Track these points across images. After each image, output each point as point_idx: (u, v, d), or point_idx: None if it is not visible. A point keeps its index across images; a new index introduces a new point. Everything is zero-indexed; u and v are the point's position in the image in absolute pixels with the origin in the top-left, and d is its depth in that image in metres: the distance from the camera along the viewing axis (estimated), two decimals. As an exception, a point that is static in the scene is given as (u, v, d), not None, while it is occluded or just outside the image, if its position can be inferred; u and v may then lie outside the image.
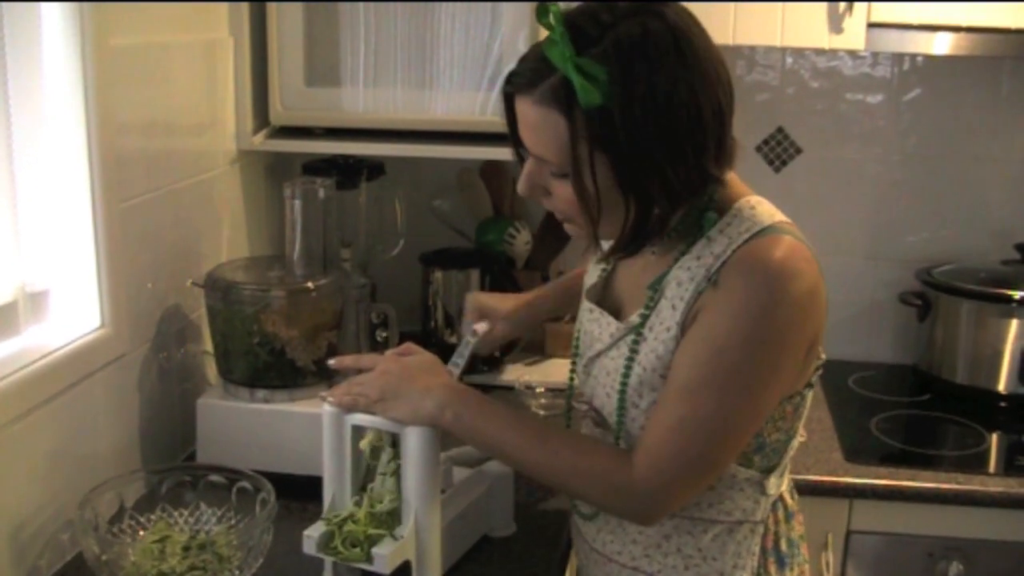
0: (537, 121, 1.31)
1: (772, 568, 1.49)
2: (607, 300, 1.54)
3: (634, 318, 1.44)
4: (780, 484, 1.49)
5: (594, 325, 1.52)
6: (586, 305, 1.56)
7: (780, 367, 1.34)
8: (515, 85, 1.33)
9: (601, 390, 1.49)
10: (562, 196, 1.36)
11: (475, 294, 1.80)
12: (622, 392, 1.43)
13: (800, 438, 1.52)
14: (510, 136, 1.41)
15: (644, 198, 1.31)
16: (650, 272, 1.44)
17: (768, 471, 1.45)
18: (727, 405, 1.32)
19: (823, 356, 1.46)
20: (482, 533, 1.68)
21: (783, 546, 1.51)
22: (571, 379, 1.63)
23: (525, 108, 1.32)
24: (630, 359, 1.42)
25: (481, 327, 1.71)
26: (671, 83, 1.27)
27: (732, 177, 1.43)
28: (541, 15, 1.27)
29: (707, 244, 1.37)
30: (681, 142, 1.29)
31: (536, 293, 1.83)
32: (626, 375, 1.43)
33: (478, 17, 2.07)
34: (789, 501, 1.53)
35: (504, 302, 1.78)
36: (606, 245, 1.42)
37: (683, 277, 1.38)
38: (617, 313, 1.50)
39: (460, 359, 1.61)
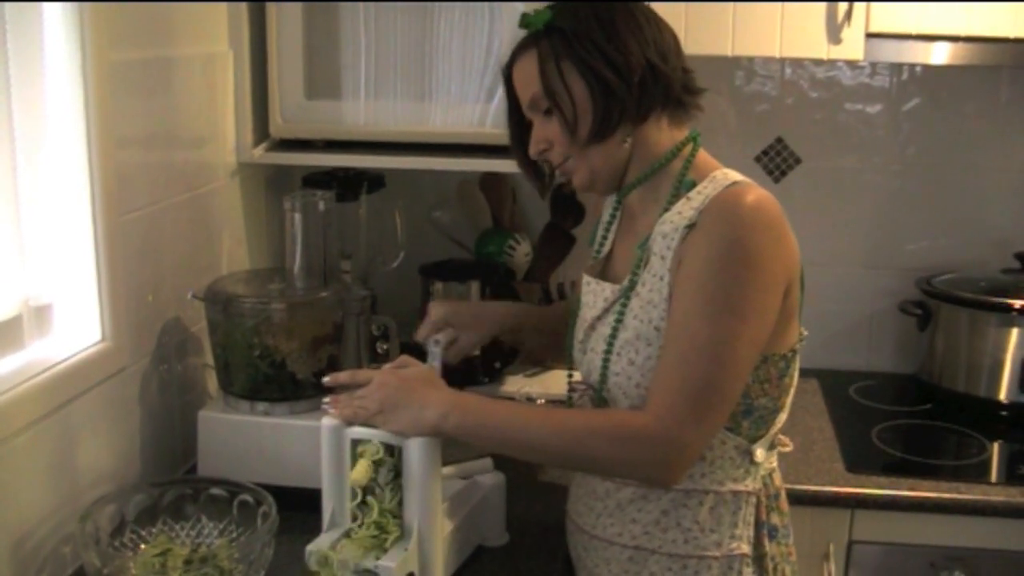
0: (521, 69, 1.53)
1: (765, 540, 1.55)
2: (605, 278, 1.61)
3: (626, 280, 1.52)
4: (767, 457, 1.54)
5: (590, 296, 1.60)
6: (584, 279, 1.63)
7: (763, 290, 1.42)
8: (508, 62, 1.56)
9: (596, 358, 1.54)
10: (557, 133, 1.51)
11: (436, 303, 1.80)
12: (610, 343, 1.50)
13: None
14: (513, 121, 1.60)
15: (605, 85, 1.46)
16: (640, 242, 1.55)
17: (755, 439, 1.52)
18: (721, 328, 1.39)
19: (804, 332, 1.55)
20: (476, 544, 1.69)
21: (774, 519, 1.57)
22: (569, 375, 1.67)
23: (515, 71, 1.54)
24: (621, 313, 1.51)
25: (443, 337, 1.72)
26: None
27: (707, 155, 1.56)
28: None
29: (687, 202, 1.49)
30: (619, 30, 1.46)
31: (515, 304, 1.87)
32: (616, 328, 1.50)
33: (476, 29, 2.08)
34: (776, 481, 1.59)
35: (467, 309, 1.83)
36: (606, 213, 1.63)
37: (667, 230, 1.48)
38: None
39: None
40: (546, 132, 1.53)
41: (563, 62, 1.46)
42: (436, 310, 1.76)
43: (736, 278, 1.40)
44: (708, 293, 1.40)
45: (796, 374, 1.55)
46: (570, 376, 1.67)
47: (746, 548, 1.52)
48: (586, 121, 1.48)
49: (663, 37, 1.50)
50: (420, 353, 1.69)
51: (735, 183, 1.47)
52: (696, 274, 1.42)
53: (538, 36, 1.50)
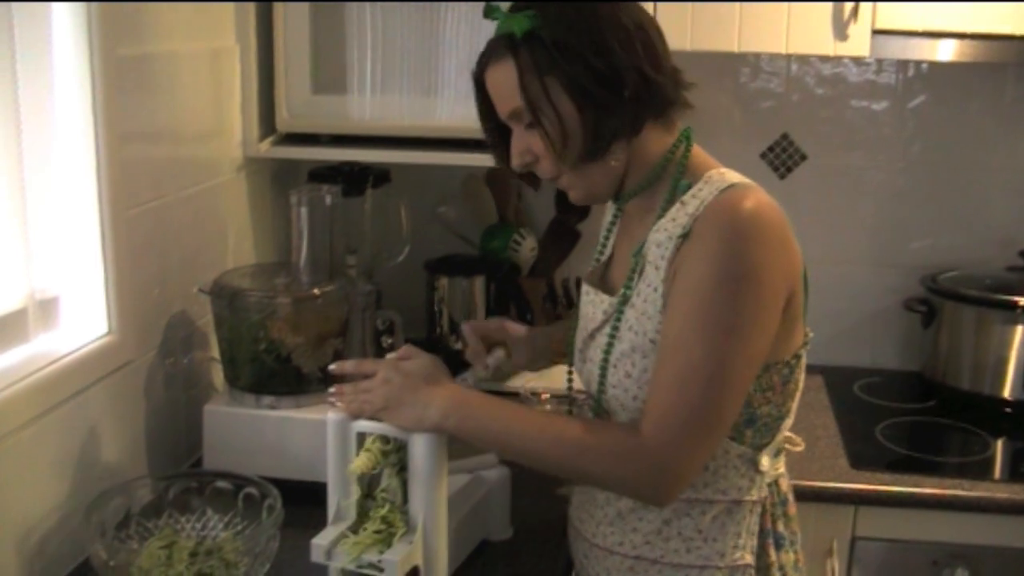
0: (497, 78, 1.42)
1: (771, 549, 1.52)
2: (605, 286, 1.57)
3: (621, 292, 1.48)
4: (773, 464, 1.51)
5: (589, 307, 1.56)
6: (584, 289, 1.60)
7: (762, 305, 1.36)
8: (479, 65, 1.46)
9: (594, 368, 1.51)
10: (542, 147, 1.43)
11: (475, 323, 1.73)
12: (606, 355, 1.47)
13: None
14: (489, 126, 1.50)
15: (594, 103, 1.37)
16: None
17: (760, 448, 1.48)
18: (718, 348, 1.34)
19: (810, 333, 1.50)
20: (481, 538, 1.69)
21: (780, 527, 1.53)
22: (568, 379, 1.65)
23: (489, 77, 1.44)
24: (616, 326, 1.46)
25: (495, 357, 1.68)
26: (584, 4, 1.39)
27: (701, 152, 1.49)
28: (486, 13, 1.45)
29: (681, 207, 1.42)
30: (606, 39, 1.36)
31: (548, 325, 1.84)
32: (611, 340, 1.47)
33: (482, 24, 2.06)
34: (783, 486, 1.56)
35: (514, 328, 1.74)
36: (607, 215, 1.58)
37: (661, 239, 1.42)
38: (613, 295, 1.53)
39: None
40: (529, 143, 1.44)
41: (547, 77, 1.36)
42: (476, 329, 1.71)
43: (734, 295, 1.34)
44: (705, 311, 1.34)
45: (802, 378, 1.50)
46: (570, 379, 1.65)
47: (749, 558, 1.49)
48: (576, 142, 1.39)
49: (650, 38, 1.40)
50: (424, 345, 1.69)
51: (731, 186, 1.39)
52: (692, 290, 1.35)
53: (514, 41, 1.38)
